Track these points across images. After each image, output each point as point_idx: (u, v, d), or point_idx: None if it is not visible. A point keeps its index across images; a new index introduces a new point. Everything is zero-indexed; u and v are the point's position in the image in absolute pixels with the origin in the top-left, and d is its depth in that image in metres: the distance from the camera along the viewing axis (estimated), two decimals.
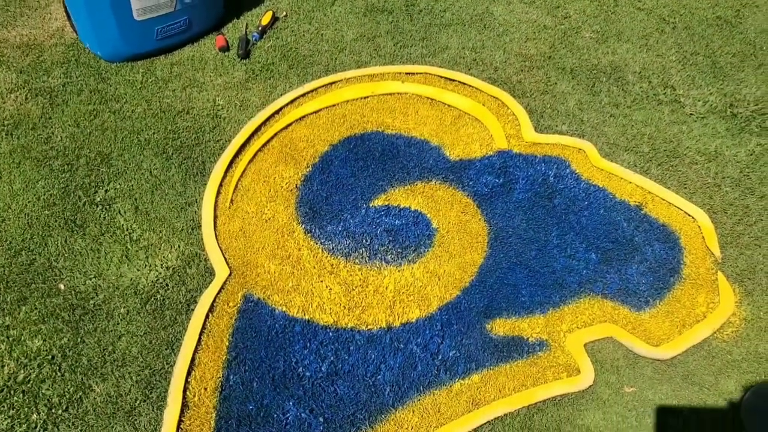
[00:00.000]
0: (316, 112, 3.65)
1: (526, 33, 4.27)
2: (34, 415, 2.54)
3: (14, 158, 3.33)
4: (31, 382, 2.62)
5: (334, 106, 3.70)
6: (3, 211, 3.14)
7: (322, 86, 3.78)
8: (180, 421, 2.53)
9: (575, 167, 3.50)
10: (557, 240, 3.21)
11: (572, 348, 2.87)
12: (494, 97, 3.79)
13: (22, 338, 2.74)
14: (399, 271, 3.06)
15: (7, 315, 2.81)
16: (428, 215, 3.27)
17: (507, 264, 3.11)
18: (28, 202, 3.18)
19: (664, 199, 3.39)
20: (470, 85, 3.84)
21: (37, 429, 2.50)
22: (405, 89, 3.81)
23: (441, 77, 3.88)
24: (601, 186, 3.43)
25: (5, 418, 2.52)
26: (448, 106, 3.75)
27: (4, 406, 2.55)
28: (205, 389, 2.63)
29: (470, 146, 3.56)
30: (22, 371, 2.65)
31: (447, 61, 4.01)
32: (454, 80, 3.87)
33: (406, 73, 3.89)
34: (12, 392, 2.59)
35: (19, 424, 2.51)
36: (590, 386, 2.78)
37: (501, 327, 2.91)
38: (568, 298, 3.03)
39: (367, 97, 3.76)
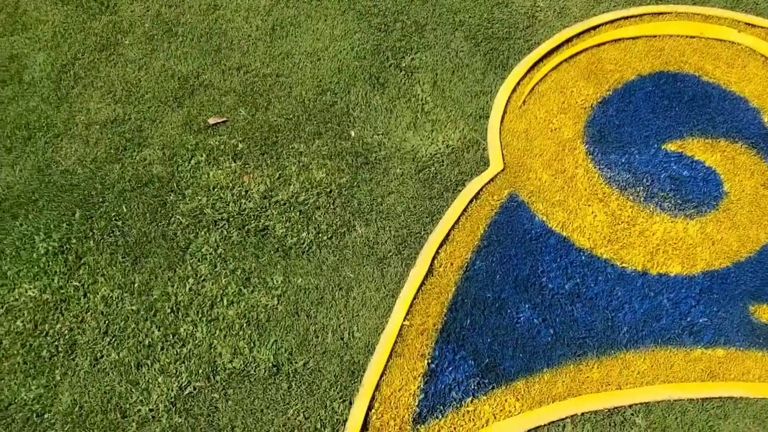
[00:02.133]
0: (634, 38, 3.46)
1: None
2: (304, 233, 2.84)
3: (341, 5, 3.59)
4: (308, 205, 2.92)
5: (654, 37, 3.48)
6: (321, 51, 3.42)
7: (649, 14, 3.56)
8: (422, 284, 2.69)
9: None
10: None
11: None
12: None
13: (310, 166, 3.04)
14: (672, 221, 2.89)
15: (302, 143, 3.12)
16: (722, 176, 3.02)
17: None
18: (343, 49, 3.43)
19: None
20: None
21: (305, 245, 2.80)
22: (739, 40, 3.46)
23: None
24: None
25: (282, 228, 2.84)
26: None
27: (282, 218, 2.88)
28: (452, 264, 2.75)
29: None
30: (303, 194, 2.96)
31: None
32: None
33: (746, 23, 3.52)
34: (291, 208, 2.91)
35: (291, 236, 2.83)
36: None
37: (767, 314, 2.67)
38: None
39: (694, 37, 3.48)
